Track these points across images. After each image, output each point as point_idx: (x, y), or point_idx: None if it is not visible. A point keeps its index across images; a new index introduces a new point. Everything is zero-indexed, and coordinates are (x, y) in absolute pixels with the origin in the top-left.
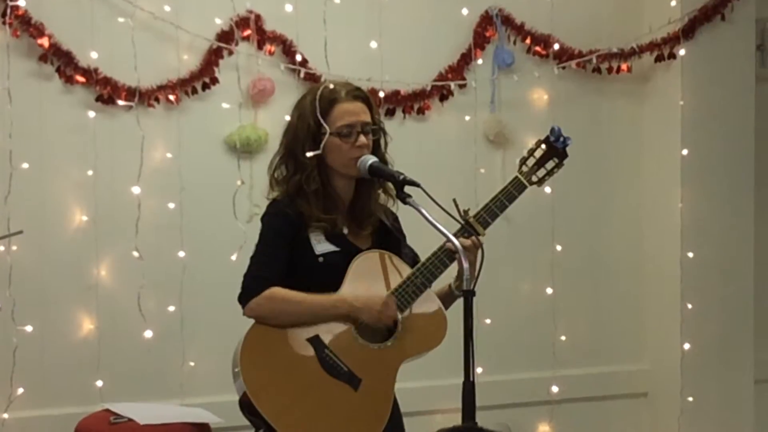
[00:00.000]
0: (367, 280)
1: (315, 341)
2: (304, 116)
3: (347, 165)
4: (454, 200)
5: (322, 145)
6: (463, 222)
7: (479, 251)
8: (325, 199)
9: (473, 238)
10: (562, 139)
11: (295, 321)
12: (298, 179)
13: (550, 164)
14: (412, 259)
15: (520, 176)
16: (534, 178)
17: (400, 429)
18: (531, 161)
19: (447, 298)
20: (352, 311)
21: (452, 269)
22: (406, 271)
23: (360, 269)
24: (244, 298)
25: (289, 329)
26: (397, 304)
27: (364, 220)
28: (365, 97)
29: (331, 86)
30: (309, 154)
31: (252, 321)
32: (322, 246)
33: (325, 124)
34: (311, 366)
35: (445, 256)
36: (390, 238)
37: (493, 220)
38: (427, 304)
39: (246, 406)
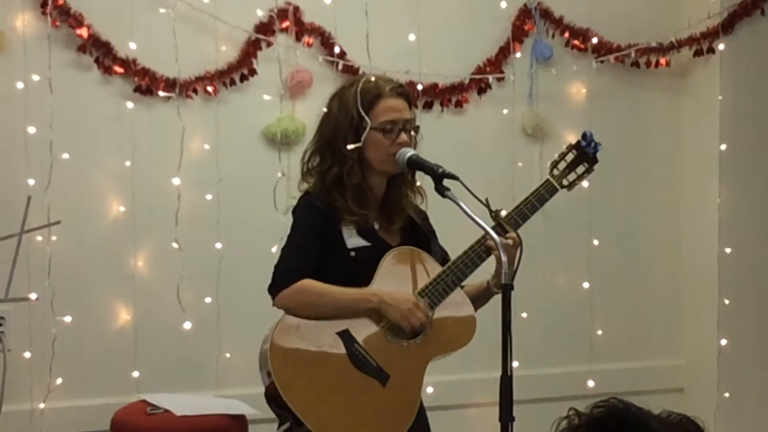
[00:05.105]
0: (398, 277)
1: (345, 336)
2: (346, 108)
3: (385, 161)
4: (486, 200)
5: (363, 138)
6: (493, 223)
7: (515, 251)
8: (360, 194)
9: (512, 234)
10: (593, 144)
11: (325, 314)
12: (336, 172)
13: (580, 169)
14: (441, 257)
15: (551, 179)
16: (564, 182)
17: (425, 425)
18: (562, 165)
19: (484, 295)
20: (382, 306)
21: (487, 267)
22: (436, 268)
23: (391, 265)
24: (274, 290)
25: (319, 323)
26: (427, 303)
27: (394, 215)
28: (408, 94)
29: (373, 79)
30: (350, 147)
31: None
32: (354, 240)
33: (367, 118)
34: (340, 360)
35: (476, 255)
36: (419, 235)
37: (523, 221)
38: (456, 302)
39: (273, 398)
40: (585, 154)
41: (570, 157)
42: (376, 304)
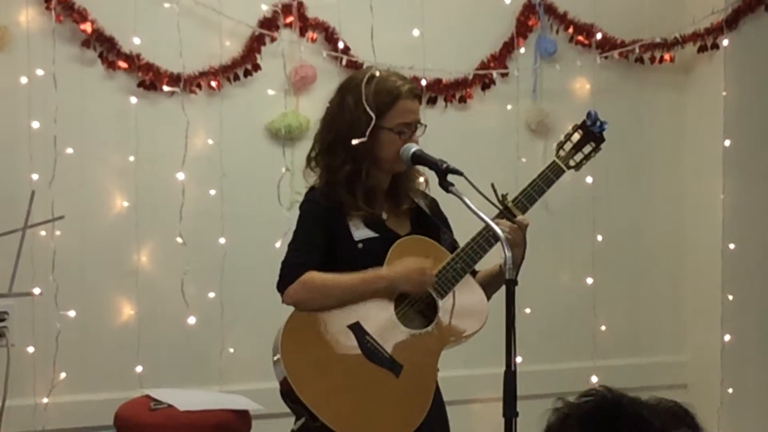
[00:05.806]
0: None
1: (356, 328)
2: (362, 106)
3: (395, 159)
4: (492, 185)
5: (367, 133)
6: (501, 207)
7: (524, 234)
8: (368, 192)
9: (518, 218)
10: (598, 123)
11: (335, 303)
12: (348, 170)
13: (587, 148)
14: (450, 244)
15: (557, 160)
16: (571, 163)
17: (443, 415)
18: (568, 146)
19: (497, 278)
20: (391, 284)
21: (497, 253)
22: (446, 256)
23: (399, 255)
24: (281, 286)
25: (329, 316)
26: (436, 289)
27: (400, 199)
28: (420, 94)
29: (380, 74)
30: (354, 142)
31: (292, 308)
32: (361, 232)
33: (383, 119)
34: (352, 353)
35: (484, 241)
36: (428, 224)
37: (531, 204)
38: (466, 289)
39: (287, 394)
40: (591, 133)
41: (576, 137)
42: (385, 284)
